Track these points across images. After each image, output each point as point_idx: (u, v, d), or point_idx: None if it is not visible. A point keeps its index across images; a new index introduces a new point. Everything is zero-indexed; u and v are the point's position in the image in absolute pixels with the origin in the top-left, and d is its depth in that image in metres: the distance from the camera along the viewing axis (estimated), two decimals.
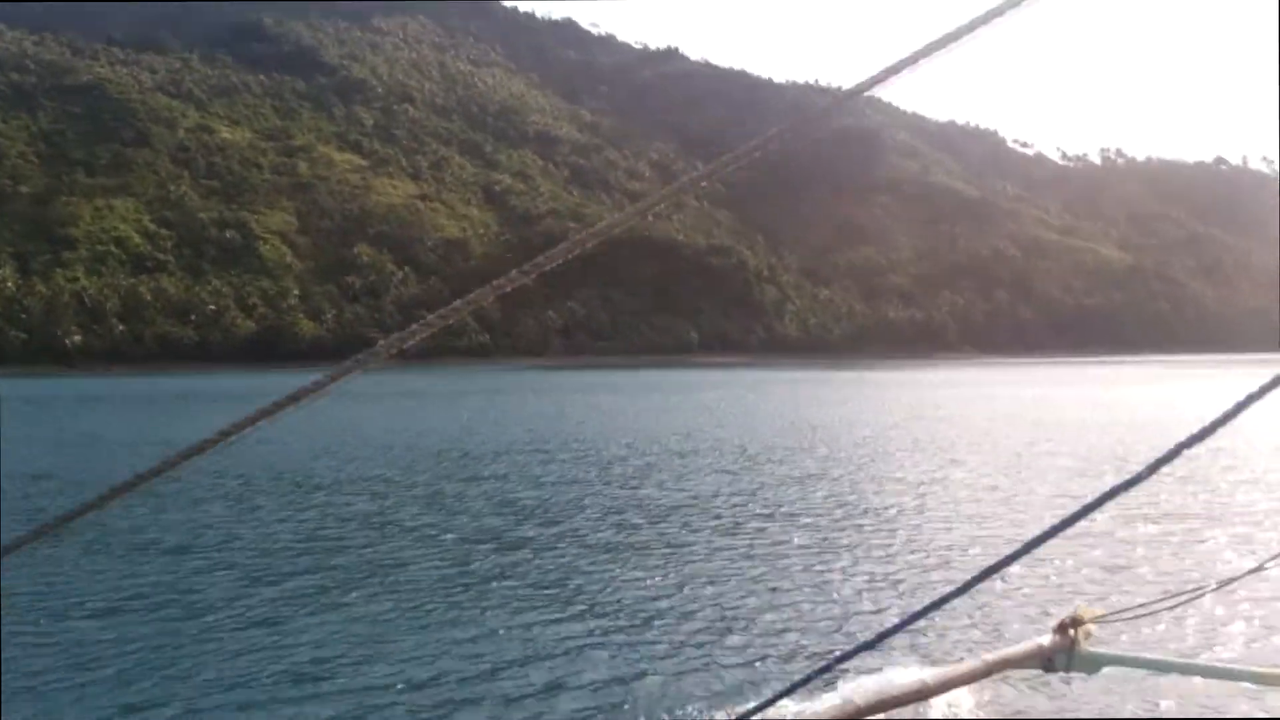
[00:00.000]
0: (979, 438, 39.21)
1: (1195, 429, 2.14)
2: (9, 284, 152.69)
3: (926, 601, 2.87)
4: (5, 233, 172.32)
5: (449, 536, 19.49)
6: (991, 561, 2.66)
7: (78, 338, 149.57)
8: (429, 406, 62.22)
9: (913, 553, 17.54)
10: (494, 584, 15.50)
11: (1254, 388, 2.12)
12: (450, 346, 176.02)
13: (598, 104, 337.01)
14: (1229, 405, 2.14)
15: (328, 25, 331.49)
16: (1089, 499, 2.36)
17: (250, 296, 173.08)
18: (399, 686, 10.88)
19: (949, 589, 2.77)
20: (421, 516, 21.87)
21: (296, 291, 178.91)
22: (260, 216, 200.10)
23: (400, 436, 40.49)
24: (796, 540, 18.70)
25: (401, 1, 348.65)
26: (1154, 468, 2.26)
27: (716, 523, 20.74)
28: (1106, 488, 2.31)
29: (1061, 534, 2.45)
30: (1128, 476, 2.32)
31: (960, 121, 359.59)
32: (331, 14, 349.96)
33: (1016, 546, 2.58)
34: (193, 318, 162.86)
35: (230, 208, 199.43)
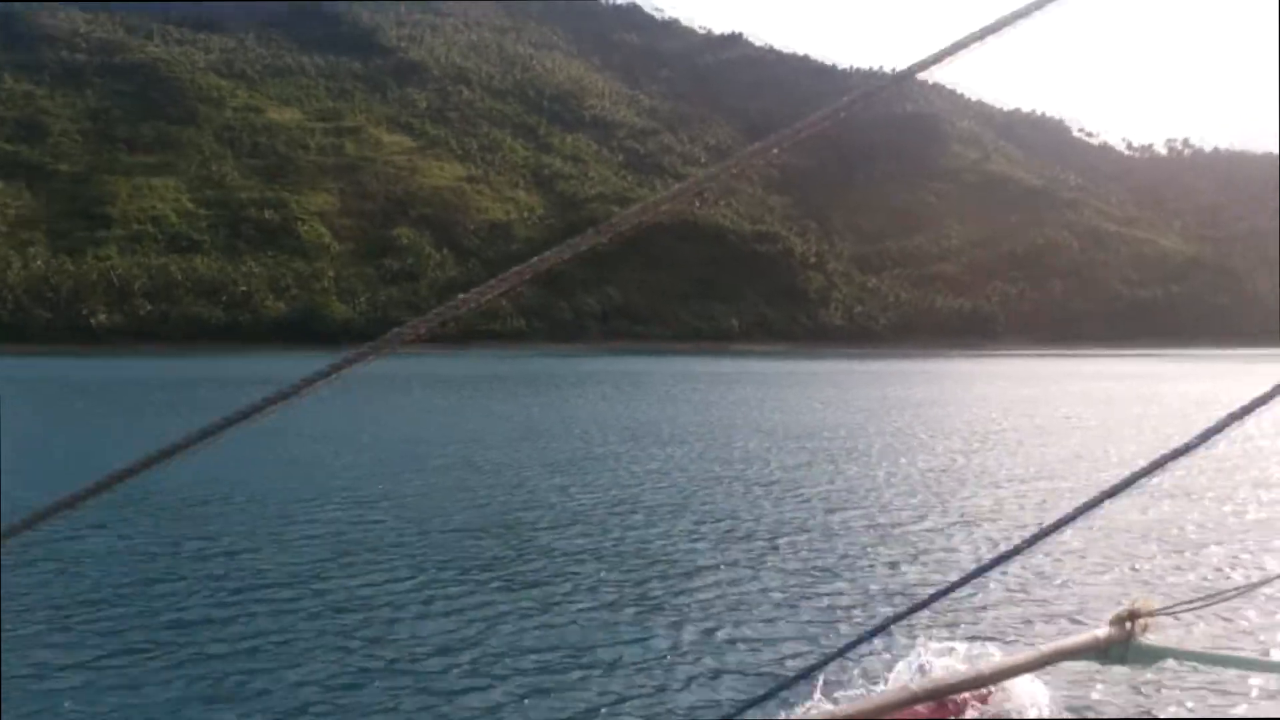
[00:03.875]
0: (1010, 427, 38.81)
1: (1245, 401, 2.10)
2: (38, 262, 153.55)
3: (975, 568, 2.98)
4: (42, 211, 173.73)
5: (450, 529, 18.37)
6: (1039, 529, 2.68)
7: (103, 316, 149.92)
8: (454, 395, 59.81)
9: (954, 531, 17.86)
10: (486, 580, 14.67)
11: None
12: (484, 330, 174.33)
13: (658, 88, 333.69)
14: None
15: (389, 7, 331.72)
16: (1138, 466, 2.36)
17: (284, 278, 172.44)
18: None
19: (992, 559, 2.83)
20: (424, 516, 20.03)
21: (331, 273, 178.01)
22: (301, 197, 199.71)
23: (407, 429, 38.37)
24: (837, 519, 19.09)
25: None
26: (1204, 437, 2.24)
27: (756, 504, 20.90)
28: (1156, 456, 2.29)
29: (1114, 500, 2.41)
30: (1177, 446, 2.27)
31: (1026, 110, 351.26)
32: None
33: (1064, 514, 2.59)
34: (223, 298, 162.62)
35: (272, 188, 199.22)
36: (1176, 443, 2.28)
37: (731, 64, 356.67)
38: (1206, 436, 2.25)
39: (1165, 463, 2.32)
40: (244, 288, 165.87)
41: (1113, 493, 2.43)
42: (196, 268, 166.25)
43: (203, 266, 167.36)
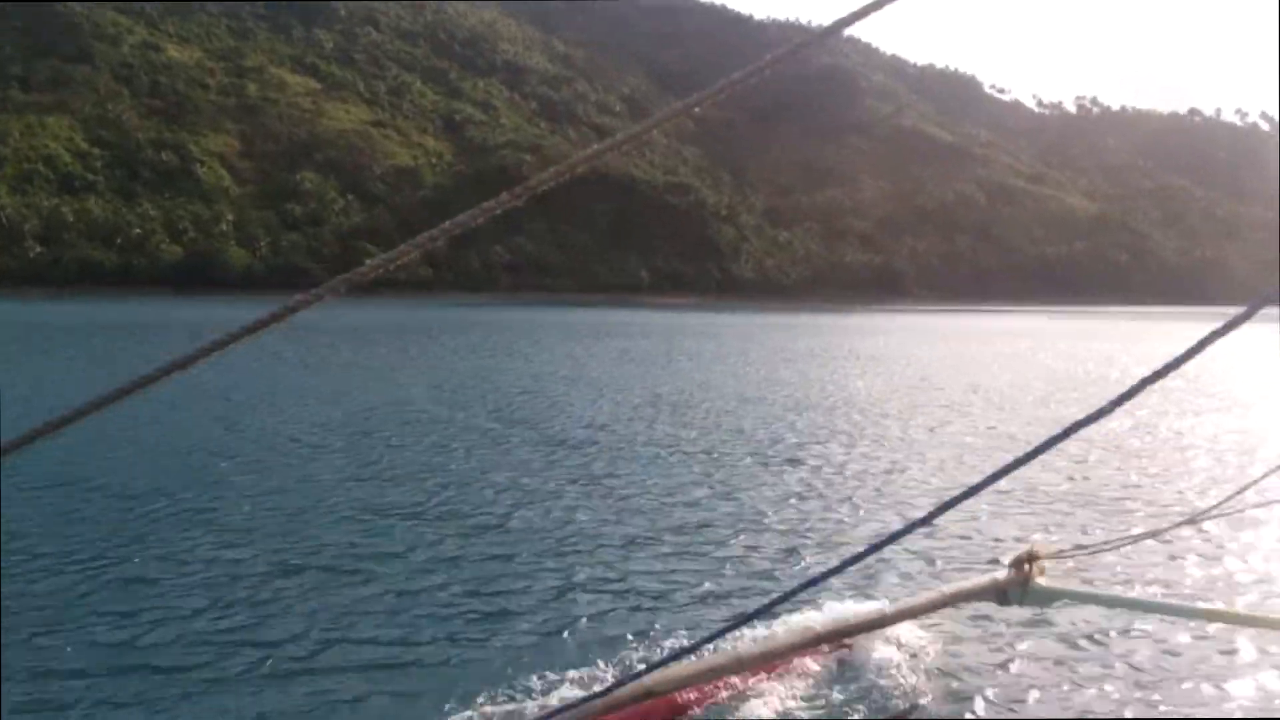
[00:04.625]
0: (935, 382, 38.74)
1: (1157, 366, 2.16)
2: None
3: (889, 533, 2.99)
4: None
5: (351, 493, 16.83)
6: (955, 494, 2.68)
7: None
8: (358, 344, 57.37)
9: (873, 488, 17.71)
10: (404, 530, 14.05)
11: (1217, 326, 2.16)
12: (391, 280, 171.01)
13: (572, 35, 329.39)
14: (1191, 344, 2.16)
15: None
16: (1053, 433, 2.39)
17: (181, 221, 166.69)
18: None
19: (910, 521, 2.86)
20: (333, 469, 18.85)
21: (231, 217, 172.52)
22: (201, 139, 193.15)
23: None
24: (755, 475, 18.64)
25: None
26: (1117, 403, 2.28)
27: (670, 458, 20.38)
28: (1069, 422, 2.35)
29: (1026, 466, 2.46)
30: (1090, 411, 2.30)
31: (939, 65, 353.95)
32: None
33: (980, 479, 2.64)
34: (117, 241, 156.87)
35: (170, 129, 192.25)
36: (1092, 406, 2.28)
37: (646, 11, 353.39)
38: (1119, 402, 2.26)
39: (1082, 426, 2.34)
40: (139, 230, 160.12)
41: (1026, 459, 2.47)
42: (90, 209, 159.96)
43: (96, 208, 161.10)
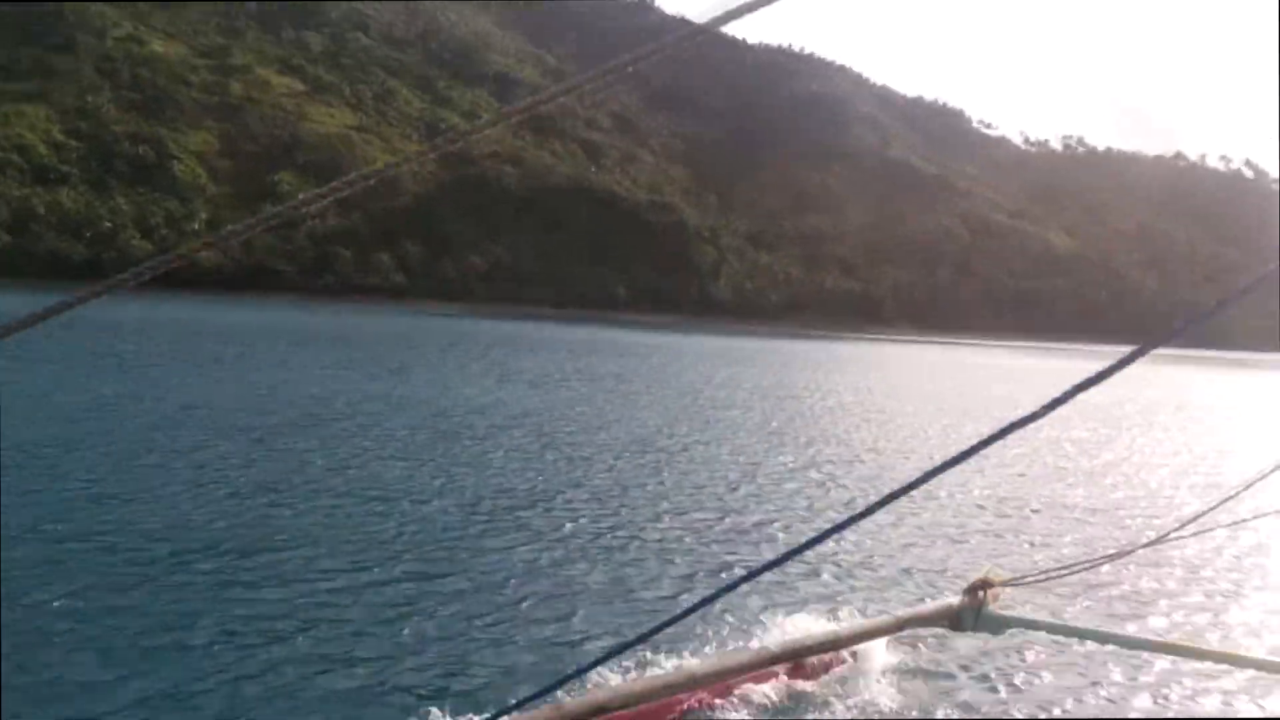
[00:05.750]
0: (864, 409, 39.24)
1: (1090, 374, 2.20)
2: None
3: (827, 529, 3.05)
4: None
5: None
6: (893, 490, 2.73)
7: None
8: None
9: (804, 496, 18.41)
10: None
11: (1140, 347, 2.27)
12: (363, 285, 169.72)
13: (564, 49, 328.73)
14: (1124, 355, 2.24)
15: None
16: (987, 434, 2.42)
17: (153, 216, 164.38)
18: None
19: (850, 515, 2.91)
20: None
21: (205, 215, 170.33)
22: (180, 135, 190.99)
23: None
24: (692, 483, 19.33)
25: None
26: (1049, 408, 2.28)
27: (616, 474, 20.44)
28: (1005, 424, 2.37)
29: (966, 468, 2.58)
30: (1024, 414, 2.30)
31: (929, 98, 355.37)
32: None
33: (917, 476, 2.63)
34: (87, 234, 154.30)
35: (149, 124, 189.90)
36: (1021, 413, 2.30)
37: (641, 30, 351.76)
38: (1052, 406, 2.27)
39: (1012, 430, 2.33)
40: (109, 224, 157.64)
41: (962, 458, 2.47)
42: (61, 201, 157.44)
43: (68, 200, 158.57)
